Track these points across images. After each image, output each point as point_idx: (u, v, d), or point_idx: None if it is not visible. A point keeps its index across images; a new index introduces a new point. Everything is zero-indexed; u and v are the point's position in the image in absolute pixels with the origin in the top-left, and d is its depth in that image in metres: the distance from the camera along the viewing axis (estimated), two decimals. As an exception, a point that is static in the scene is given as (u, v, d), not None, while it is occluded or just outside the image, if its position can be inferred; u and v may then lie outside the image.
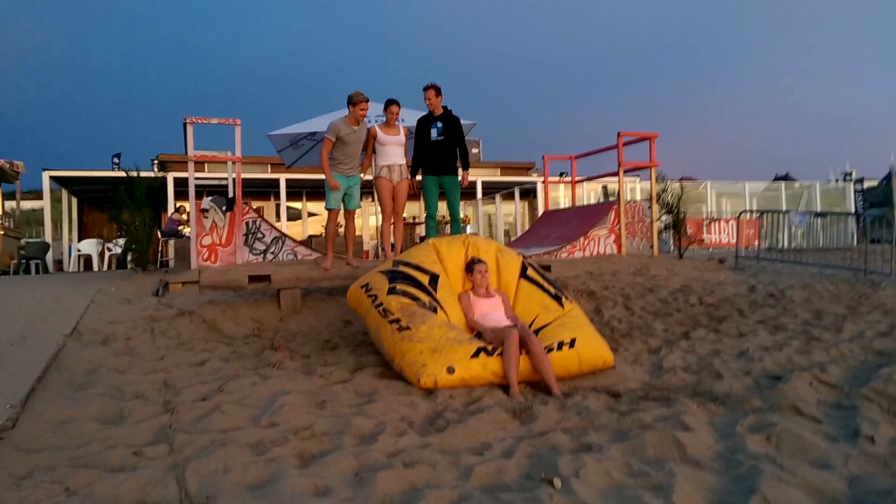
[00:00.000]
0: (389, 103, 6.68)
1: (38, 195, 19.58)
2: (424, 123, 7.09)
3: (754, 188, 22.49)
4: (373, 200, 15.93)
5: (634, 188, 20.49)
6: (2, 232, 13.86)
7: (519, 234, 15.83)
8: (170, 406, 3.48)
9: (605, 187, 21.06)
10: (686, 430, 2.97)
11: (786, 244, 11.49)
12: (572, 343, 4.19)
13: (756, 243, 12.87)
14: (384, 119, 6.80)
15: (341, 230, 8.54)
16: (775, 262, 10.24)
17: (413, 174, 7.09)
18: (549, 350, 4.10)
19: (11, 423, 2.89)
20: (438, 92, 6.96)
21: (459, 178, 7.15)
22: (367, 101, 6.38)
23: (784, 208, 20.43)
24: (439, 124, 7.01)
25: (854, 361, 4.35)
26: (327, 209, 6.64)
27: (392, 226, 6.99)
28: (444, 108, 7.05)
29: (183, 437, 2.95)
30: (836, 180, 27.09)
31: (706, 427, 3.11)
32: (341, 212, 6.71)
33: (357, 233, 8.56)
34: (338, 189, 6.40)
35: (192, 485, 2.41)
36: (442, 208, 8.71)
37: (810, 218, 10.97)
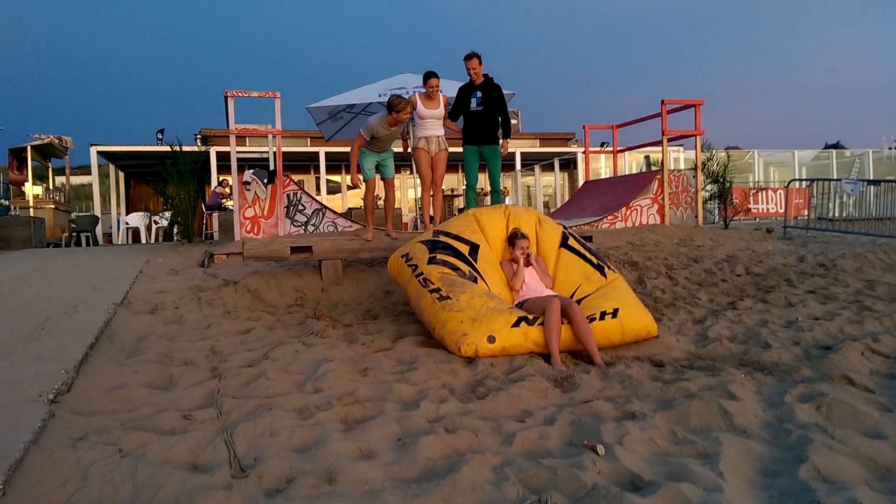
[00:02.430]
0: (428, 76, 6.63)
1: (86, 170, 20.11)
2: (465, 92, 7.01)
3: (803, 157, 21.81)
4: (411, 173, 15.93)
5: (678, 158, 20.04)
6: (53, 206, 14.27)
7: (559, 205, 15.67)
8: (217, 372, 3.57)
9: (647, 157, 20.67)
10: (733, 399, 2.92)
11: (836, 214, 11.15)
12: (615, 313, 4.13)
13: (805, 213, 12.51)
14: (424, 90, 6.75)
15: (380, 202, 8.57)
16: (825, 232, 9.94)
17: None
18: (592, 320, 4.06)
19: (66, 388, 2.98)
20: (480, 61, 6.87)
21: (500, 147, 7.08)
22: (409, 105, 6.30)
23: (835, 177, 19.78)
24: (479, 93, 6.93)
25: (909, 331, 4.20)
26: (364, 180, 6.68)
27: (431, 197, 6.98)
28: (486, 76, 6.97)
29: (230, 402, 3.02)
30: (890, 148, 26.08)
31: (754, 396, 3.05)
32: (379, 184, 6.73)
33: (395, 205, 8.58)
34: (358, 186, 6.46)
35: (241, 447, 2.47)
36: (481, 180, 8.66)
37: (862, 186, 10.59)
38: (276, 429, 2.63)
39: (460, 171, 16.13)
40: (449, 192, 15.39)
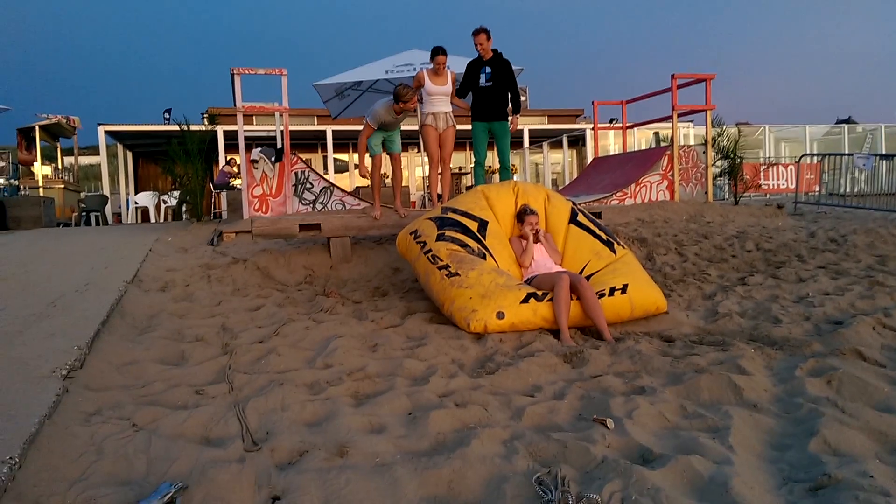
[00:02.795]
0: (436, 52, 6.55)
1: (94, 151, 20.12)
2: (473, 68, 6.94)
3: (815, 132, 21.56)
4: (419, 151, 15.85)
5: (688, 134, 19.84)
6: (62, 186, 14.32)
7: (567, 183, 15.60)
8: (228, 348, 3.59)
9: (656, 134, 20.50)
10: (743, 374, 2.92)
11: (848, 189, 11.05)
12: (624, 289, 4.13)
13: (816, 189, 12.39)
14: (431, 67, 6.69)
15: (387, 180, 8.55)
16: (836, 208, 9.86)
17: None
18: (601, 295, 4.05)
19: (80, 364, 3.01)
20: (489, 36, 6.79)
21: (509, 123, 7.02)
22: (416, 94, 6.25)
23: (846, 152, 19.56)
24: (488, 69, 6.86)
25: (921, 306, 4.18)
26: (371, 156, 6.64)
27: (439, 175, 6.94)
28: (494, 51, 6.89)
29: (242, 378, 3.04)
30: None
31: (763, 371, 3.05)
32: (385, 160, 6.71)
33: (403, 183, 8.55)
34: (366, 176, 6.45)
35: (253, 421, 2.49)
36: (490, 157, 8.61)
37: (875, 161, 10.48)
38: (288, 403, 2.65)
39: (468, 149, 16.02)
40: (457, 170, 15.34)
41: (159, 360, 3.37)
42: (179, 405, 2.72)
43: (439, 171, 6.92)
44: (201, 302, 4.85)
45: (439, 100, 6.65)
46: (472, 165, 7.33)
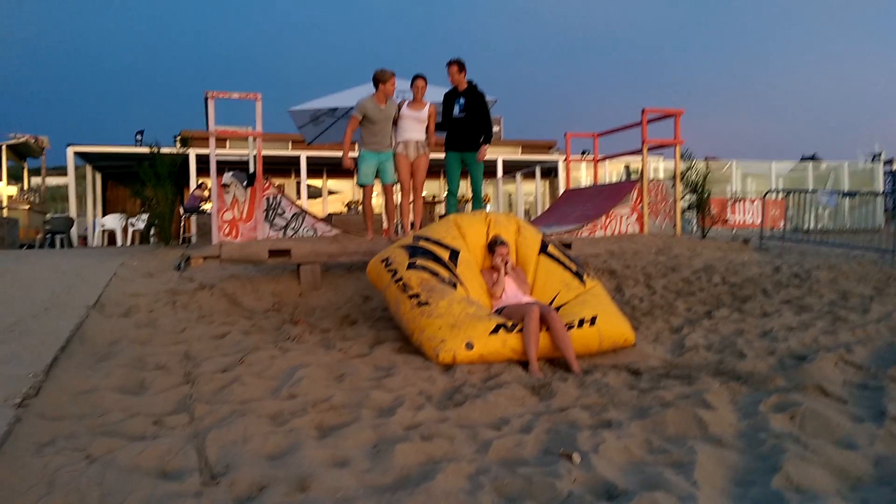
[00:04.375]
0: (415, 78, 6.63)
1: (62, 171, 19.81)
2: (448, 99, 7.02)
3: (781, 168, 22.09)
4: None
5: (658, 167, 20.21)
6: (27, 207, 14.06)
7: (539, 213, 15.72)
8: (190, 377, 3.51)
9: (627, 167, 20.82)
10: (708, 408, 2.93)
11: (812, 225, 11.31)
12: (593, 321, 4.15)
13: (781, 224, 12.67)
14: (412, 94, 6.74)
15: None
16: (801, 243, 10.07)
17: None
18: (570, 327, 4.07)
19: (34, 392, 2.92)
20: (462, 68, 6.86)
21: (478, 153, 7.07)
22: (394, 76, 6.34)
23: (811, 189, 20.07)
24: (462, 100, 6.93)
25: (881, 342, 4.26)
26: (359, 185, 6.71)
27: (411, 203, 6.97)
28: (469, 83, 6.96)
29: (203, 407, 2.97)
30: (865, 161, 26.51)
31: (728, 405, 3.07)
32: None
33: (377, 210, 8.56)
34: (350, 167, 6.47)
35: (212, 453, 2.43)
36: (463, 187, 8.66)
37: (838, 198, 10.75)
38: (249, 435, 2.59)
39: (442, 177, 16.08)
40: (430, 199, 15.38)
41: (118, 389, 3.28)
42: (137, 436, 2.64)
43: (411, 199, 6.95)
44: (165, 329, 4.75)
45: (410, 125, 6.68)
46: (445, 194, 7.37)
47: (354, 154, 6.83)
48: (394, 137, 6.80)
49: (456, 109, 6.94)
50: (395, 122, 6.73)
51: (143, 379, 3.46)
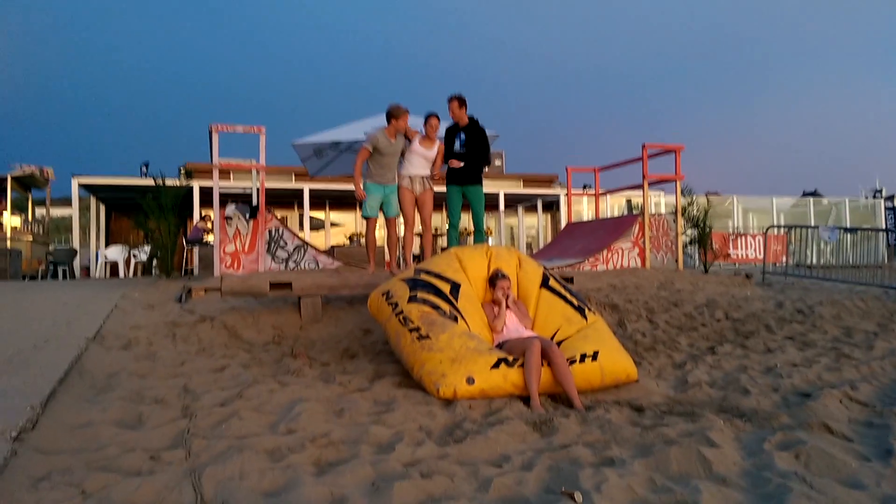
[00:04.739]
0: (429, 116, 6.71)
1: (67, 203, 19.93)
2: (450, 134, 7.09)
3: (782, 204, 22.16)
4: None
5: (659, 202, 20.28)
6: (30, 238, 14.10)
7: (541, 247, 15.73)
8: (188, 411, 3.48)
9: (628, 201, 20.90)
10: (712, 446, 2.89)
11: (814, 260, 11.29)
12: (595, 356, 4.11)
13: (783, 259, 12.65)
14: (425, 132, 6.80)
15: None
16: (803, 279, 10.05)
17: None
18: (572, 362, 4.03)
19: (31, 425, 2.89)
20: (462, 103, 6.94)
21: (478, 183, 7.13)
22: (407, 113, 6.46)
23: (812, 224, 20.08)
24: (462, 135, 7.00)
25: (886, 379, 4.23)
26: (364, 217, 6.78)
27: (418, 235, 7.01)
28: (471, 118, 7.03)
29: (200, 443, 2.94)
30: (866, 197, 26.60)
31: (732, 443, 3.02)
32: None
33: (379, 243, 8.58)
34: (363, 199, 6.51)
35: (208, 490, 2.39)
36: (464, 220, 8.68)
37: (840, 233, 10.76)
38: (246, 471, 2.56)
39: (443, 210, 16.18)
40: (433, 232, 15.40)
41: (116, 423, 3.25)
42: (133, 471, 2.61)
43: (414, 232, 6.99)
44: (164, 361, 4.72)
45: (418, 161, 6.77)
46: (447, 228, 7.40)
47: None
48: (398, 170, 6.87)
49: (457, 144, 7.01)
50: (402, 155, 6.79)
51: (141, 413, 3.43)
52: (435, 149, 6.82)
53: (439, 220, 20.83)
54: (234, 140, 9.10)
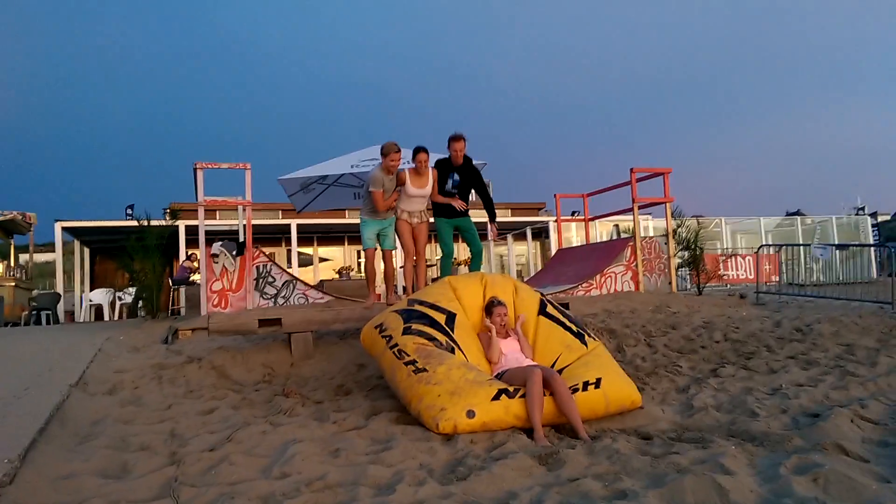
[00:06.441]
0: (417, 151, 6.58)
1: (51, 247, 19.70)
2: (443, 170, 6.90)
3: (768, 224, 22.29)
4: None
5: (647, 226, 20.33)
6: (13, 283, 13.86)
7: (532, 274, 15.65)
8: (176, 457, 3.31)
9: (616, 226, 20.93)
10: (726, 474, 2.76)
11: (805, 279, 11.28)
12: (598, 383, 3.99)
13: (775, 278, 12.63)
14: (414, 165, 6.66)
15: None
16: (797, 297, 10.00)
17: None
18: (574, 391, 3.90)
19: (9, 479, 2.73)
20: (465, 143, 6.81)
21: (488, 232, 7.15)
22: (399, 151, 6.48)
23: (801, 242, 20.16)
24: (456, 176, 6.86)
25: (895, 396, 4.13)
26: (364, 249, 6.86)
27: (415, 266, 6.98)
28: (465, 157, 6.88)
29: (189, 491, 2.78)
30: (849, 214, 26.88)
31: (747, 469, 2.90)
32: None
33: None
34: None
35: (198, 543, 2.23)
36: (457, 248, 8.56)
37: (832, 251, 10.76)
38: (239, 521, 2.40)
39: (433, 241, 16.09)
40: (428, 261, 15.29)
41: (99, 473, 3.08)
42: (117, 525, 2.45)
43: (414, 262, 6.96)
44: (150, 406, 4.54)
45: (417, 201, 6.75)
46: (439, 258, 7.29)
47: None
48: (397, 205, 6.80)
49: (449, 184, 6.86)
50: (402, 193, 6.74)
51: (126, 461, 3.26)
52: (429, 185, 6.71)
53: (429, 251, 20.75)
54: (220, 178, 9.00)
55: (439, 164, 6.98)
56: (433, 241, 6.74)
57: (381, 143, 6.65)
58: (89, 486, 2.88)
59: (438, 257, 7.39)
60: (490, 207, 7.09)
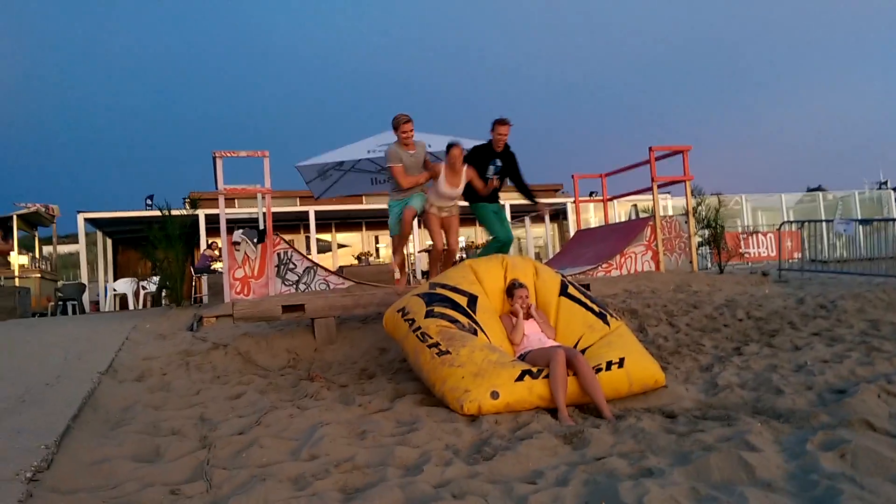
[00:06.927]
0: (451, 147, 6.36)
1: (73, 239, 19.99)
2: (483, 156, 6.72)
3: (789, 200, 22.03)
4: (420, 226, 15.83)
5: (666, 205, 20.16)
6: (39, 275, 14.09)
7: (550, 256, 15.61)
8: (207, 441, 3.38)
9: (635, 206, 20.80)
10: (752, 450, 2.76)
11: (828, 255, 11.15)
12: (621, 362, 3.99)
13: (797, 255, 12.50)
14: (448, 164, 6.44)
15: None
16: (820, 273, 9.90)
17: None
18: (598, 370, 3.91)
19: (46, 465, 2.80)
20: (510, 128, 6.63)
21: (537, 206, 7.31)
22: (410, 121, 6.30)
23: (822, 219, 19.91)
24: (498, 162, 6.72)
25: (922, 371, 4.09)
26: (392, 236, 6.76)
27: (444, 253, 6.82)
28: (506, 144, 6.75)
29: (221, 474, 2.84)
30: (871, 188, 26.44)
31: (773, 446, 2.90)
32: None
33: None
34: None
35: (232, 523, 2.29)
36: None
37: (855, 226, 10.62)
38: (271, 501, 2.46)
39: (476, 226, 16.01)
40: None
41: (132, 457, 3.15)
42: (153, 507, 2.51)
43: (444, 250, 6.82)
44: (179, 391, 4.63)
45: (447, 199, 6.59)
46: (489, 240, 7.08)
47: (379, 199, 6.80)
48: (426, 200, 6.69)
49: (491, 170, 6.70)
50: (434, 189, 6.60)
51: (158, 445, 3.33)
52: (461, 187, 6.49)
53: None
54: (239, 166, 9.06)
55: (479, 150, 6.76)
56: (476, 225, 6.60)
57: None
58: (123, 470, 2.95)
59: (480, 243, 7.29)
60: (529, 194, 6.99)
